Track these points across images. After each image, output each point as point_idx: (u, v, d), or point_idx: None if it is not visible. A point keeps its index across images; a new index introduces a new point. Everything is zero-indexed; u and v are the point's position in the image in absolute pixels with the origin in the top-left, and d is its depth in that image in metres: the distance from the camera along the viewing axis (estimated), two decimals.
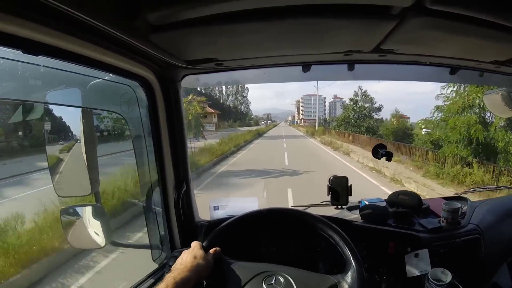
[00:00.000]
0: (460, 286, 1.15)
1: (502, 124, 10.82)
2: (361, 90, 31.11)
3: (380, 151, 1.48)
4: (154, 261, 1.37)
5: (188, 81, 1.32)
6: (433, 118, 12.76)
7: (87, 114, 1.14)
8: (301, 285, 0.99)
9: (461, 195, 1.76)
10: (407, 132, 25.71)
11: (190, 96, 16.31)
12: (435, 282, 1.15)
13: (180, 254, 1.06)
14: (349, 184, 1.47)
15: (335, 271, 1.05)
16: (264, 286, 1.00)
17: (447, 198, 1.73)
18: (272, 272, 1.04)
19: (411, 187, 9.58)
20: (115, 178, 6.92)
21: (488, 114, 11.05)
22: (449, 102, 11.87)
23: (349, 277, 1.00)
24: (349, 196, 1.48)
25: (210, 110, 42.07)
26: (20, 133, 11.83)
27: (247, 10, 0.73)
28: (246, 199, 1.50)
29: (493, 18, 0.73)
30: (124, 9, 0.68)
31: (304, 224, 1.18)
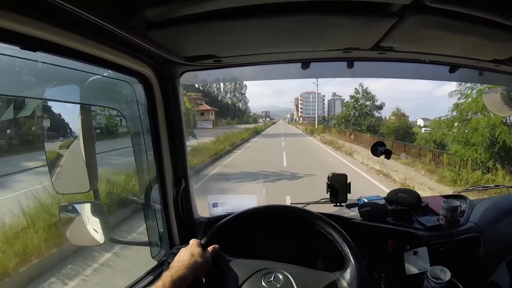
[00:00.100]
0: (459, 284, 1.15)
1: None
2: (362, 87, 30.13)
3: (379, 149, 1.48)
4: (153, 258, 1.36)
5: (186, 78, 1.31)
6: (448, 117, 12.00)
7: (85, 110, 1.13)
8: (300, 282, 0.99)
9: (460, 194, 1.76)
10: (408, 131, 25.62)
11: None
12: (434, 280, 1.15)
13: (179, 251, 1.06)
14: (348, 182, 1.47)
15: (334, 269, 1.05)
16: (263, 283, 1.00)
17: (446, 197, 1.74)
18: (271, 269, 1.03)
19: (427, 195, 9.03)
20: (111, 177, 6.84)
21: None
22: (465, 99, 11.13)
23: (348, 274, 1.00)
24: (348, 194, 1.48)
25: (207, 107, 41.92)
26: (8, 131, 11.57)
27: (246, 6, 0.72)
28: (245, 196, 1.49)
29: (493, 16, 0.73)
30: (122, 5, 0.68)
31: (302, 221, 1.18)
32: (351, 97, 29.87)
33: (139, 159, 1.32)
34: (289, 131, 39.29)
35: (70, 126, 1.18)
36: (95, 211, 1.17)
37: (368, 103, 29.60)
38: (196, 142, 15.40)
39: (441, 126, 12.98)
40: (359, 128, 26.47)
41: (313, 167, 10.94)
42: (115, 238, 1.43)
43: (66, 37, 0.73)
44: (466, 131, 10.86)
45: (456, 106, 11.52)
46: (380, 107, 30.24)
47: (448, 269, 1.15)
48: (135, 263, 3.68)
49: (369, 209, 1.42)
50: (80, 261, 4.26)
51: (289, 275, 1.01)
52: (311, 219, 1.16)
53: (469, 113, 11.01)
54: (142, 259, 1.46)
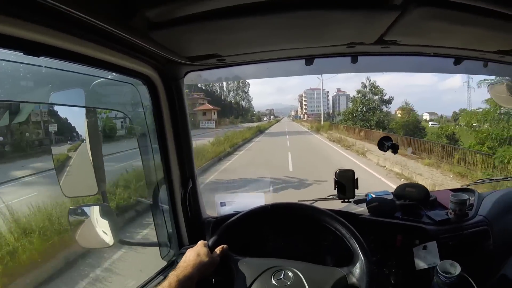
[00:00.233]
0: (469, 278, 1.14)
1: None
2: (369, 81, 27.54)
3: (386, 144, 1.48)
4: (162, 258, 1.38)
5: (190, 78, 1.32)
6: (481, 110, 10.91)
7: (91, 114, 1.14)
8: (310, 279, 1.00)
9: (468, 187, 1.75)
10: (418, 126, 24.83)
11: None
12: (444, 274, 1.15)
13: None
14: (355, 177, 1.46)
15: (343, 264, 1.05)
16: (273, 281, 1.00)
17: (454, 190, 1.72)
18: (281, 267, 1.04)
19: None
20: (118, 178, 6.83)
21: None
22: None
23: (357, 268, 1.01)
24: (355, 189, 1.47)
25: (209, 106, 41.49)
26: (0, 138, 10.98)
27: (247, 4, 0.72)
28: (252, 194, 1.50)
29: (496, 7, 0.73)
30: (123, 6, 0.68)
31: (310, 218, 1.18)
32: (358, 91, 27.86)
33: (146, 160, 1.33)
34: (294, 129, 37.33)
35: (77, 130, 1.19)
36: (104, 213, 1.19)
37: (376, 97, 27.41)
38: (194, 143, 14.13)
39: (471, 120, 11.84)
40: (367, 124, 25.10)
41: (323, 171, 9.07)
42: (125, 240, 1.45)
43: (68, 41, 0.73)
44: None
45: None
46: (389, 102, 27.82)
47: (458, 263, 1.15)
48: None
49: (377, 204, 1.42)
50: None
51: (298, 272, 1.01)
52: (318, 216, 1.16)
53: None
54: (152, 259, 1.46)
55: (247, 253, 1.12)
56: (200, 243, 1.09)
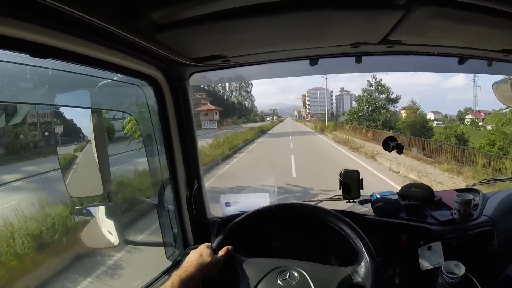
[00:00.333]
0: (473, 278, 1.14)
1: None
2: (375, 79, 26.77)
3: (390, 144, 1.47)
4: (168, 258, 1.38)
5: (195, 79, 1.33)
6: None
7: (96, 115, 1.15)
8: (315, 279, 1.00)
9: (473, 187, 1.74)
10: (425, 126, 24.32)
11: None
12: (448, 275, 1.15)
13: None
14: (360, 178, 1.46)
15: (348, 264, 1.06)
16: (278, 281, 1.00)
17: (459, 190, 1.72)
18: (286, 267, 1.04)
19: None
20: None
21: None
22: None
23: (362, 267, 1.01)
24: (360, 190, 1.47)
25: (211, 106, 41.08)
26: None
27: (252, 5, 0.73)
28: (257, 194, 1.50)
29: (501, 6, 0.73)
30: (128, 8, 0.69)
31: (314, 218, 1.19)
32: (364, 90, 27.34)
33: (152, 160, 1.34)
34: (297, 129, 36.22)
35: (82, 131, 1.20)
36: (109, 213, 1.19)
37: (382, 96, 26.78)
38: None
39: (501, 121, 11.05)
40: (373, 124, 24.60)
41: (329, 178, 7.64)
42: (130, 239, 1.45)
43: (74, 43, 0.74)
44: None
45: None
46: (396, 101, 26.96)
47: (462, 263, 1.14)
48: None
49: (382, 204, 1.41)
50: None
51: (304, 272, 1.02)
52: (323, 216, 1.17)
53: None
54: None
55: (252, 253, 1.12)
56: (204, 244, 1.10)
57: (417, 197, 1.47)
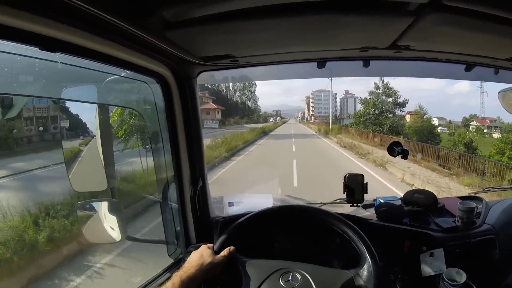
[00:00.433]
0: (474, 286, 1.14)
1: None
2: (383, 82, 25.49)
3: (396, 149, 1.47)
4: (169, 256, 1.38)
5: (203, 78, 1.33)
6: None
7: (103, 110, 1.15)
8: (318, 281, 1.00)
9: (476, 195, 1.74)
10: (433, 132, 23.74)
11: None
12: (449, 282, 1.14)
13: (195, 249, 1.08)
14: (365, 182, 1.46)
15: (350, 267, 1.06)
16: (281, 283, 1.00)
17: (462, 198, 1.71)
18: (289, 269, 1.04)
19: None
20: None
21: None
22: None
23: (364, 270, 1.01)
24: (364, 194, 1.47)
25: (212, 105, 40.49)
26: None
27: (263, 6, 0.73)
28: (260, 195, 1.50)
29: (510, 14, 0.72)
30: (140, 5, 0.69)
31: (317, 221, 1.19)
32: (371, 93, 26.06)
33: (157, 158, 1.34)
34: (300, 131, 34.89)
35: (88, 126, 1.20)
36: (112, 209, 1.19)
37: (389, 99, 25.54)
38: None
39: None
40: (380, 128, 23.39)
41: (334, 188, 5.37)
42: (132, 236, 1.45)
43: (85, 38, 0.74)
44: None
45: None
46: (403, 105, 25.73)
47: (464, 271, 1.14)
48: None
49: (386, 209, 1.41)
50: None
51: (306, 274, 1.02)
52: (326, 218, 1.17)
53: None
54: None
55: (255, 254, 1.12)
56: (205, 245, 1.10)
57: (421, 203, 1.47)
